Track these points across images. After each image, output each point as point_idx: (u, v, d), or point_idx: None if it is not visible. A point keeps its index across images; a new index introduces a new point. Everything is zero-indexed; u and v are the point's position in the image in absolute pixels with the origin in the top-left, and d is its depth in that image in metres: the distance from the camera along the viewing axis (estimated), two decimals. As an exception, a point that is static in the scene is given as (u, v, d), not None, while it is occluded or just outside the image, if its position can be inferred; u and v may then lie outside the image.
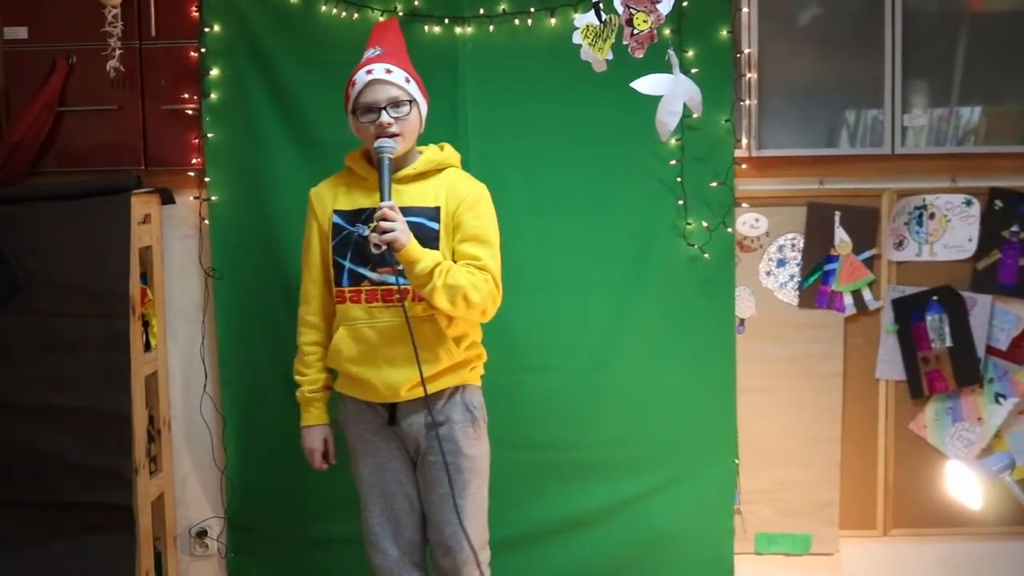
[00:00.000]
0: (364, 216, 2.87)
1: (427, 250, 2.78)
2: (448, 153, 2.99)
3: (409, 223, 2.79)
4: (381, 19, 3.44)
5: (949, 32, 3.56)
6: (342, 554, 3.56)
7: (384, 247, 2.74)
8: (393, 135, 2.81)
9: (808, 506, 3.68)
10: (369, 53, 2.93)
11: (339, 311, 2.91)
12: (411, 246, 2.74)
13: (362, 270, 2.86)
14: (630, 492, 3.59)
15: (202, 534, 3.71)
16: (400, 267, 2.77)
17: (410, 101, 2.86)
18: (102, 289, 3.27)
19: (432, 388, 2.84)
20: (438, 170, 2.94)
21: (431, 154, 2.95)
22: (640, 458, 3.59)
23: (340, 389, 2.99)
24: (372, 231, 2.80)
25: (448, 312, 2.81)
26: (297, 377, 3.00)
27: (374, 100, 2.82)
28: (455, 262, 2.84)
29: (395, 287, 2.82)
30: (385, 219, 2.71)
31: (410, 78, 2.89)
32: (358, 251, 2.86)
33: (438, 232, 2.85)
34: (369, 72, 2.83)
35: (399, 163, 2.88)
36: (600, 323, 3.53)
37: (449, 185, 2.90)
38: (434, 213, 2.87)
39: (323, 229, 2.93)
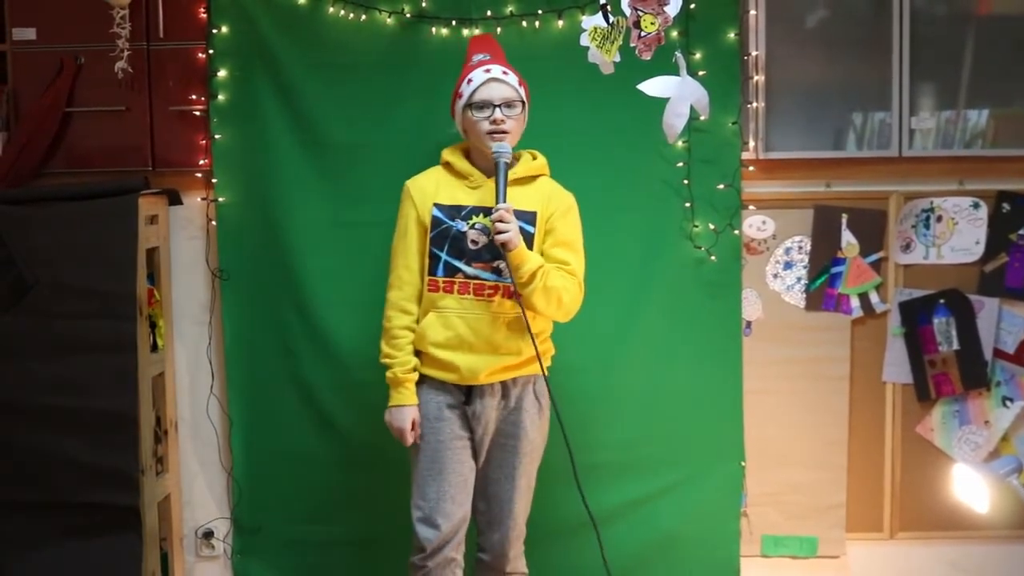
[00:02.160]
0: (464, 213, 2.99)
1: (532, 252, 2.96)
2: (541, 162, 3.12)
3: None
4: (389, 21, 3.45)
5: (956, 35, 3.56)
6: (348, 555, 3.56)
7: (480, 243, 2.95)
8: (504, 132, 2.96)
9: (815, 508, 3.67)
10: (479, 57, 3.05)
11: (430, 298, 3.01)
12: (522, 248, 2.91)
13: (458, 263, 2.98)
14: (636, 494, 3.59)
15: (208, 535, 3.71)
16: (496, 265, 2.93)
17: (521, 103, 3.02)
18: (109, 290, 3.27)
19: (510, 376, 3.02)
20: (533, 177, 3.08)
21: (528, 162, 3.09)
22: (646, 460, 3.59)
23: (422, 369, 3.06)
24: (471, 227, 2.96)
25: (541, 311, 2.97)
26: (386, 360, 3.04)
27: (490, 97, 2.97)
28: None
29: (487, 282, 2.96)
30: (502, 220, 2.87)
31: (521, 83, 3.06)
32: (455, 245, 2.98)
33: (533, 235, 3.00)
34: (488, 71, 2.99)
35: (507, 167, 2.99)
36: (607, 325, 3.53)
37: (545, 192, 3.06)
38: (531, 217, 3.01)
39: (422, 220, 3.03)
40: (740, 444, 3.62)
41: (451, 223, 2.99)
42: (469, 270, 2.97)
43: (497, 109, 2.96)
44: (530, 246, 2.98)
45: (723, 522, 3.62)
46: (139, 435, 3.30)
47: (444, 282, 2.99)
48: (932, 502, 3.67)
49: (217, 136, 3.53)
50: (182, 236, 3.63)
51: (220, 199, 3.55)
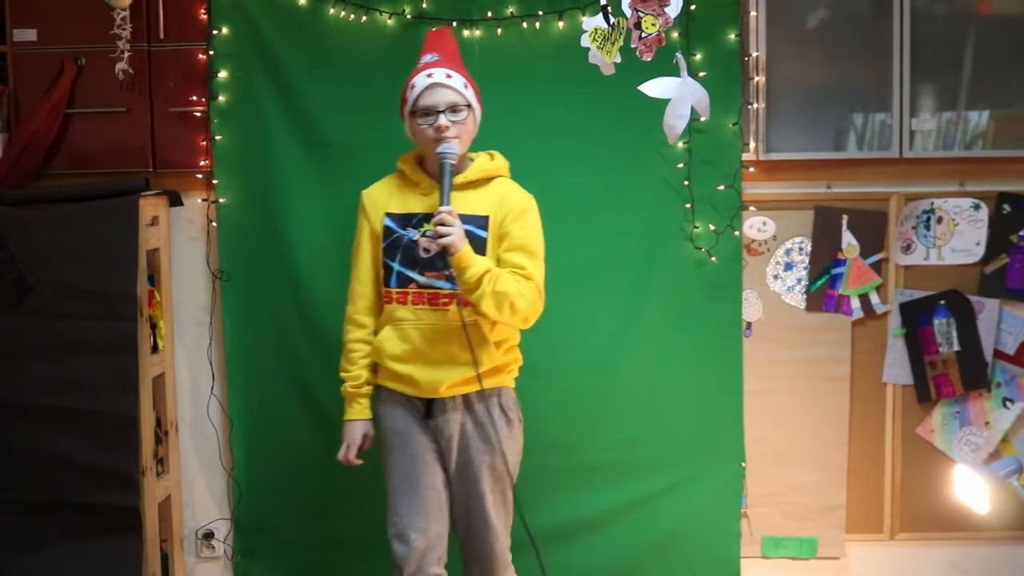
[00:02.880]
0: (415, 221, 2.93)
1: (479, 256, 2.84)
2: (498, 163, 3.03)
3: None
4: (390, 22, 3.46)
5: (957, 35, 3.56)
6: (348, 556, 3.56)
7: (432, 251, 2.85)
8: (450, 139, 2.87)
9: (815, 509, 3.67)
10: (427, 58, 2.97)
11: (386, 310, 2.96)
12: (465, 251, 2.80)
13: (410, 273, 2.91)
14: (637, 495, 3.59)
15: (209, 536, 3.71)
16: (450, 272, 2.84)
17: (468, 106, 2.92)
18: (110, 291, 3.27)
19: (474, 388, 2.92)
20: (488, 179, 2.99)
21: (482, 163, 2.99)
22: (647, 461, 3.59)
23: (380, 381, 3.03)
24: (422, 235, 2.89)
25: (493, 318, 2.87)
26: (342, 373, 3.03)
27: (433, 103, 2.87)
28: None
29: (441, 291, 2.88)
30: (443, 223, 2.78)
31: (468, 84, 2.95)
32: (407, 254, 2.91)
33: (486, 240, 2.91)
34: (429, 76, 2.89)
35: (453, 169, 2.92)
36: (607, 325, 3.54)
37: (499, 195, 2.96)
38: (483, 222, 2.92)
39: (375, 230, 2.97)
40: (740, 445, 3.62)
41: (402, 232, 2.92)
42: (422, 279, 2.90)
43: (441, 115, 2.86)
44: (483, 251, 2.88)
45: (723, 523, 3.62)
46: (139, 436, 3.30)
47: (398, 293, 2.92)
48: (932, 503, 3.67)
49: (218, 137, 3.53)
50: (183, 237, 3.63)
51: (221, 200, 3.56)
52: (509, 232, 2.91)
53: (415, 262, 2.90)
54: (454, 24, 3.46)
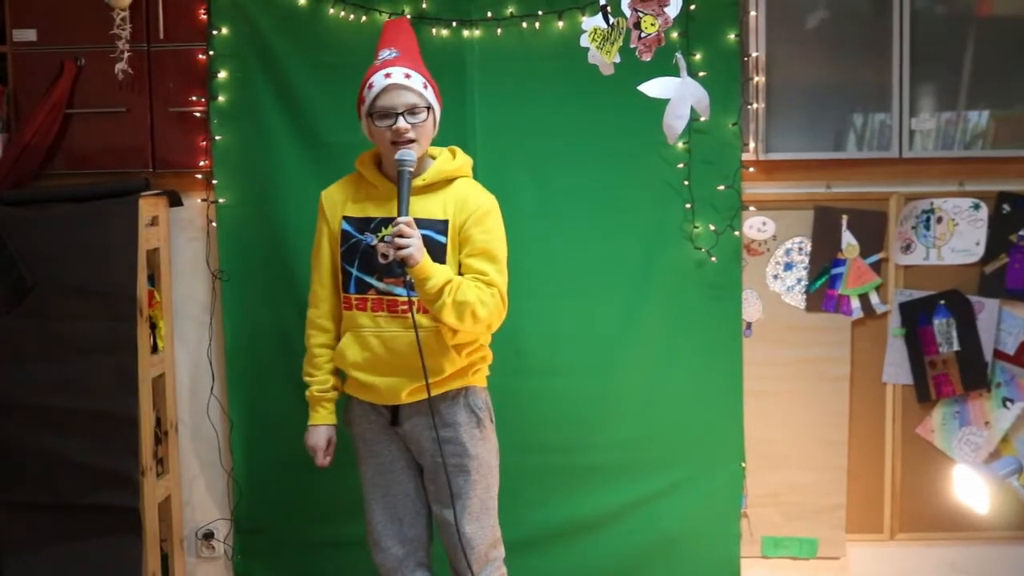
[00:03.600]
0: (373, 225, 2.85)
1: (438, 266, 2.77)
2: (459, 163, 2.94)
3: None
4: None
5: (957, 36, 3.56)
6: (348, 556, 3.56)
7: (391, 258, 2.75)
8: (409, 141, 2.78)
9: (815, 510, 3.67)
10: (385, 54, 2.88)
11: (346, 317, 2.91)
12: (425, 263, 2.72)
13: (369, 279, 2.85)
14: (637, 495, 3.59)
15: (208, 536, 3.71)
16: (408, 279, 2.76)
17: (427, 107, 2.83)
18: (110, 291, 3.27)
19: (437, 391, 2.84)
20: (449, 180, 2.90)
21: (442, 164, 2.90)
22: (647, 461, 3.59)
23: (347, 390, 3.00)
24: (380, 241, 2.81)
25: (454, 327, 2.80)
26: (306, 378, 2.99)
27: (392, 105, 2.78)
28: (461, 275, 2.84)
29: (399, 298, 2.82)
30: (401, 235, 2.69)
31: (427, 84, 2.86)
32: (365, 260, 2.84)
33: (445, 245, 2.83)
34: (388, 76, 2.79)
35: (412, 171, 2.83)
36: (607, 326, 3.53)
37: (458, 198, 2.87)
38: (442, 226, 2.84)
39: (333, 233, 2.91)
40: (740, 445, 3.62)
41: (360, 237, 2.84)
42: (380, 285, 2.82)
43: (400, 118, 2.76)
44: (442, 258, 2.81)
45: (723, 523, 3.62)
46: (139, 436, 3.30)
47: (357, 299, 2.85)
48: (932, 503, 3.67)
49: (217, 137, 3.53)
50: (182, 237, 3.63)
51: (220, 200, 3.56)
52: (471, 236, 2.83)
53: (373, 268, 2.83)
54: (454, 24, 3.46)
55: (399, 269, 2.75)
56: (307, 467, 3.44)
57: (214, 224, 3.59)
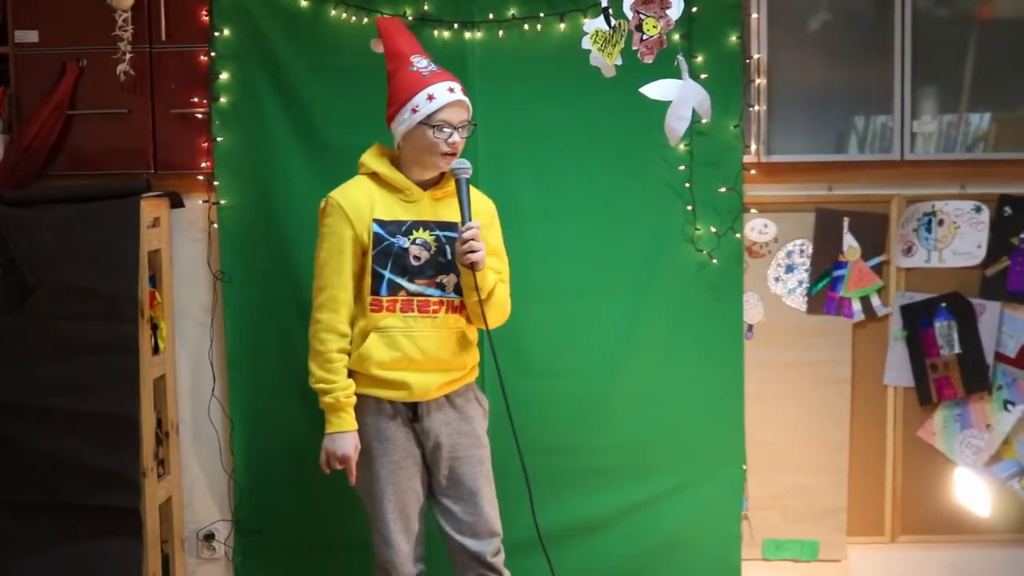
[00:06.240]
0: (404, 228, 2.90)
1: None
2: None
3: (446, 237, 2.90)
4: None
5: (959, 38, 3.56)
6: (348, 557, 3.55)
7: (424, 259, 2.88)
8: (455, 154, 2.89)
9: (816, 512, 3.67)
10: (423, 64, 2.91)
11: (371, 318, 2.90)
12: (487, 267, 2.90)
13: (400, 280, 2.89)
14: (638, 497, 3.59)
15: (209, 537, 3.71)
16: (440, 279, 2.88)
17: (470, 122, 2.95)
18: (111, 292, 3.27)
19: (457, 387, 2.99)
20: None
21: None
22: (648, 463, 3.59)
23: (366, 390, 2.96)
24: (412, 243, 2.89)
25: (492, 323, 2.93)
26: (322, 384, 2.91)
27: (451, 119, 2.86)
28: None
29: (431, 298, 2.90)
30: (474, 239, 2.82)
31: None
32: (397, 262, 2.88)
33: None
34: (451, 91, 2.87)
35: (433, 179, 2.94)
36: (608, 328, 3.54)
37: (472, 202, 2.95)
38: (457, 228, 2.92)
39: (360, 238, 2.90)
40: (741, 447, 3.62)
41: (392, 240, 2.88)
42: (412, 287, 2.89)
43: (455, 132, 2.86)
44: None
45: (724, 526, 3.62)
46: (140, 437, 3.30)
47: (388, 301, 2.89)
48: (933, 506, 3.67)
49: (219, 139, 3.53)
50: (184, 239, 3.63)
51: (222, 202, 3.56)
52: (486, 238, 2.92)
53: (405, 270, 2.88)
54: (455, 26, 3.46)
55: (431, 271, 2.87)
56: (308, 468, 3.44)
57: (215, 225, 3.59)
